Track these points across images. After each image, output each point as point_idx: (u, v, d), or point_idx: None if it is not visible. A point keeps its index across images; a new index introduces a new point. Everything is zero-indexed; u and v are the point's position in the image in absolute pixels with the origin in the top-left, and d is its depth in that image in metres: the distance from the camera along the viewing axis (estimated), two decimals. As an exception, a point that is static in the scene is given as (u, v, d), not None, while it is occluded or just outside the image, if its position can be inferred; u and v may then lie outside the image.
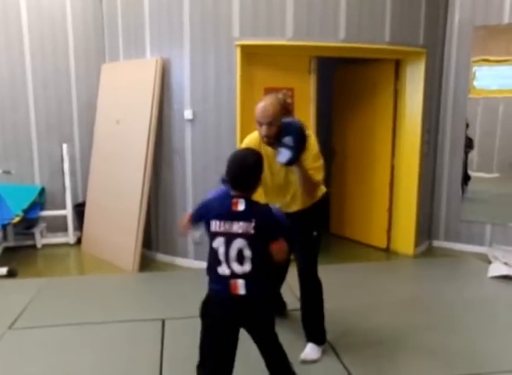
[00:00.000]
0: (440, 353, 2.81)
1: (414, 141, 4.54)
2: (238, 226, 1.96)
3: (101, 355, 2.78)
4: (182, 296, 3.64)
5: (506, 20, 4.44)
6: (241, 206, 1.99)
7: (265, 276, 2.03)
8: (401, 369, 2.67)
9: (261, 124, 2.50)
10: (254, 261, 1.97)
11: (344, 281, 3.98)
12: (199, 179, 4.19)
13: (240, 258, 1.96)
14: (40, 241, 4.93)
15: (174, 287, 3.85)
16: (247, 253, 1.96)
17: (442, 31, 4.66)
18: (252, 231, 1.95)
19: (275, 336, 2.13)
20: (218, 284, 2.00)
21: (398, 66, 4.57)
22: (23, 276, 4.09)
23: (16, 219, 4.45)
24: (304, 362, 2.68)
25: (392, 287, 3.91)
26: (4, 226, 4.52)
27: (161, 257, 4.53)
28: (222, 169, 4.04)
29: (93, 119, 4.88)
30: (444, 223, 4.96)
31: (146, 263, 4.37)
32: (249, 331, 2.09)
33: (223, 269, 1.98)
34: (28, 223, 4.85)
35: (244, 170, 2.04)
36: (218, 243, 1.98)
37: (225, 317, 2.02)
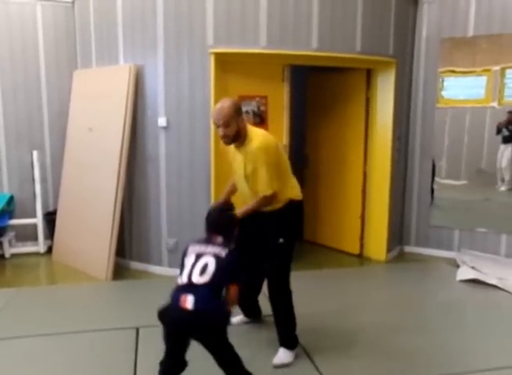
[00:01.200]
0: (411, 354, 2.87)
1: (385, 148, 4.65)
2: (212, 249, 2.21)
3: (73, 365, 2.73)
4: (156, 304, 3.55)
5: (470, 33, 4.62)
6: (219, 240, 2.26)
7: (219, 294, 2.16)
8: (373, 371, 2.71)
9: (217, 126, 2.63)
10: (214, 277, 2.10)
11: (318, 287, 4.02)
12: (173, 186, 4.17)
13: (203, 271, 2.11)
14: (8, 251, 4.80)
15: (148, 295, 3.80)
16: (211, 268, 2.11)
17: (411, 42, 4.80)
18: (223, 255, 2.18)
19: (228, 347, 2.19)
20: (173, 296, 2.14)
21: (369, 75, 4.68)
22: (-9, 287, 3.99)
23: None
24: (276, 366, 2.70)
25: (365, 291, 3.98)
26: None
27: (135, 265, 4.48)
28: (196, 177, 4.07)
29: (65, 126, 4.81)
30: (415, 228, 5.07)
31: (119, 271, 4.32)
32: (199, 342, 2.19)
33: (182, 279, 2.15)
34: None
35: (220, 227, 2.34)
36: (190, 257, 2.20)
37: (172, 329, 2.18)
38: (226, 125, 2.59)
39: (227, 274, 2.17)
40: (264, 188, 2.65)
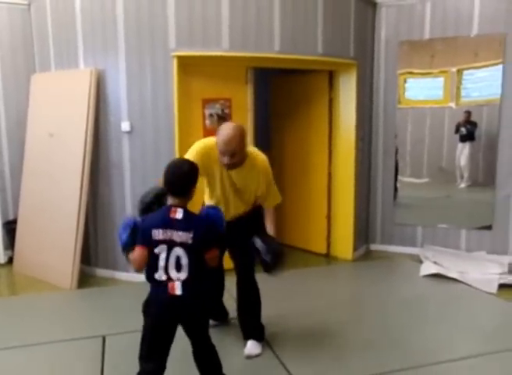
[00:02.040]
0: (374, 348, 2.94)
1: (349, 148, 4.73)
2: (178, 236, 2.07)
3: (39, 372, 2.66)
4: (123, 311, 3.54)
5: (427, 36, 4.76)
6: (179, 215, 2.09)
7: (201, 280, 2.14)
8: (336, 365, 2.75)
9: (223, 154, 2.53)
10: (190, 268, 2.09)
11: (285, 287, 4.03)
12: (138, 192, 4.09)
13: (178, 266, 2.07)
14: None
15: (115, 302, 3.75)
16: (184, 261, 2.08)
17: (371, 45, 4.91)
18: (190, 241, 2.07)
19: (208, 337, 2.25)
20: (158, 288, 2.10)
21: (331, 76, 4.76)
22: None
23: None
24: (249, 357, 2.81)
25: (330, 289, 4.04)
26: None
27: (100, 272, 4.39)
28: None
29: (23, 133, 4.67)
30: (380, 226, 5.18)
31: (85, 279, 4.22)
32: (185, 328, 2.20)
33: (160, 275, 2.08)
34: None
35: (182, 176, 2.15)
36: (161, 249, 2.07)
37: (164, 315, 2.12)
38: (233, 155, 2.54)
39: (204, 246, 2.12)
40: (278, 197, 2.94)
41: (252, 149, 2.83)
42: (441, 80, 4.88)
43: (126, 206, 4.17)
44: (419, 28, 4.77)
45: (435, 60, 4.85)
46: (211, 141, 2.69)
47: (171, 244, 2.06)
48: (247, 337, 2.92)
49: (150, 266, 2.09)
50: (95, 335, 3.13)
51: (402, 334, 3.14)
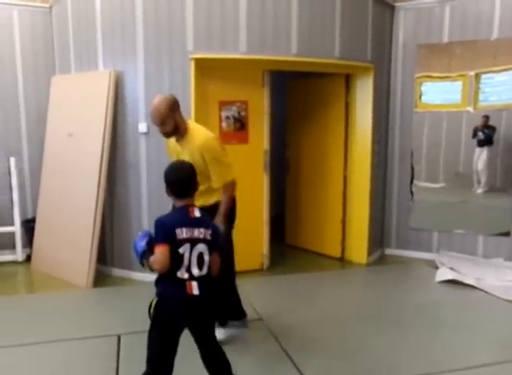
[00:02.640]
0: (388, 354, 2.91)
1: (365, 152, 4.71)
2: (200, 232, 2.12)
3: (54, 373, 2.69)
4: (138, 310, 3.51)
5: (445, 39, 4.72)
6: (197, 213, 2.17)
7: (210, 279, 2.20)
8: (350, 369, 2.73)
9: (154, 124, 2.79)
10: (209, 265, 2.15)
11: (299, 290, 4.05)
12: (154, 192, 4.15)
13: (200, 263, 2.11)
14: (-11, 259, 4.72)
15: (130, 302, 3.78)
16: (206, 257, 2.13)
17: (388, 48, 4.89)
18: (209, 237, 2.14)
19: (215, 336, 2.27)
20: (175, 287, 2.10)
21: (348, 80, 4.75)
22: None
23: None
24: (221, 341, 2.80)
25: (346, 293, 4.03)
26: None
27: (116, 272, 4.43)
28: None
29: (43, 133, 4.75)
30: (395, 231, 5.14)
31: (101, 279, 4.27)
32: (195, 330, 2.20)
33: (182, 273, 2.09)
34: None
35: (188, 177, 2.22)
36: (185, 248, 2.08)
37: (180, 316, 2.12)
38: (163, 123, 2.75)
39: (214, 245, 2.19)
40: (228, 174, 2.86)
41: (194, 125, 2.96)
42: (459, 83, 4.83)
43: (142, 206, 4.21)
44: (438, 31, 4.74)
45: (453, 64, 4.81)
46: None
47: (194, 242, 2.10)
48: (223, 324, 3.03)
49: (171, 265, 2.08)
50: (110, 334, 3.16)
51: (417, 340, 3.11)
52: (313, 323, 3.37)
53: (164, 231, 2.08)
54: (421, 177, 5.13)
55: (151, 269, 2.13)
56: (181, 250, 2.07)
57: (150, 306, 2.12)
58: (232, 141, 4.30)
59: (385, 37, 4.83)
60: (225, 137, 4.29)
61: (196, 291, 2.09)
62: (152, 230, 2.15)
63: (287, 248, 5.34)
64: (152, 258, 2.08)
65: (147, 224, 4.20)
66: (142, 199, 4.21)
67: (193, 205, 2.20)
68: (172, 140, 2.93)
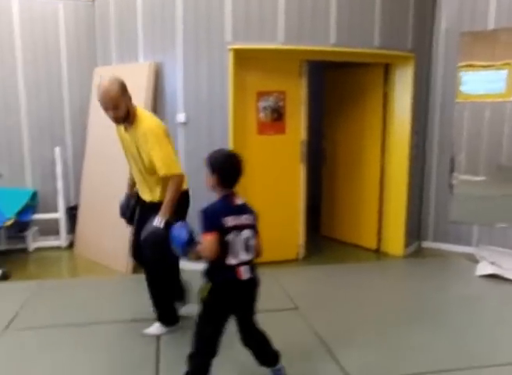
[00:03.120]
0: (426, 347, 2.88)
1: (403, 143, 4.64)
2: (245, 219, 2.19)
3: (96, 354, 2.81)
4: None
5: (490, 26, 4.56)
6: (240, 201, 2.23)
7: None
8: (387, 362, 2.72)
9: (107, 109, 2.57)
10: (254, 250, 2.22)
11: (335, 281, 4.05)
12: (192, 181, 4.20)
13: (247, 248, 2.17)
14: (32, 245, 4.92)
15: (168, 289, 3.87)
16: (251, 242, 2.19)
17: (430, 36, 4.77)
18: (254, 222, 2.23)
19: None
20: (227, 273, 2.17)
21: (387, 69, 4.67)
22: (16, 279, 4.09)
23: (9, 223, 4.45)
24: (143, 334, 2.98)
25: (381, 285, 3.99)
26: (-4, 230, 4.52)
27: (154, 259, 4.54)
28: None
29: (85, 123, 4.91)
30: (433, 224, 5.05)
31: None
32: (242, 312, 2.28)
33: (231, 259, 2.15)
34: (20, 227, 4.84)
35: (240, 166, 2.22)
36: (233, 235, 2.14)
37: (232, 301, 2.21)
38: (116, 107, 2.57)
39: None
40: (173, 166, 2.70)
41: (142, 111, 2.81)
42: (504, 72, 4.66)
43: (180, 196, 4.28)
44: (482, 18, 4.58)
45: (497, 52, 4.64)
46: None
47: (241, 228, 2.15)
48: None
49: (221, 252, 2.13)
50: (150, 318, 3.25)
51: (457, 334, 3.06)
52: (349, 313, 3.38)
53: (212, 220, 2.12)
54: (461, 170, 5.00)
55: (197, 258, 2.17)
56: (229, 237, 2.12)
57: (201, 292, 2.18)
58: (269, 132, 4.32)
59: (427, 25, 4.71)
60: (262, 127, 4.32)
61: (246, 275, 2.17)
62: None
63: (322, 239, 5.33)
64: (201, 247, 2.11)
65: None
66: (180, 188, 4.28)
67: (234, 193, 2.22)
68: (121, 129, 2.79)
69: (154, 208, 2.74)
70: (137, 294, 3.89)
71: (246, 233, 2.17)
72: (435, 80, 4.85)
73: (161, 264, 2.89)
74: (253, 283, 2.23)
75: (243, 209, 2.20)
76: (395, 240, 4.80)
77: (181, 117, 4.15)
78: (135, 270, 4.26)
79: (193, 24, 4.02)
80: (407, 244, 4.82)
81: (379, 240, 4.94)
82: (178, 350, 2.79)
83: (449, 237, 4.97)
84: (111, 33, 4.62)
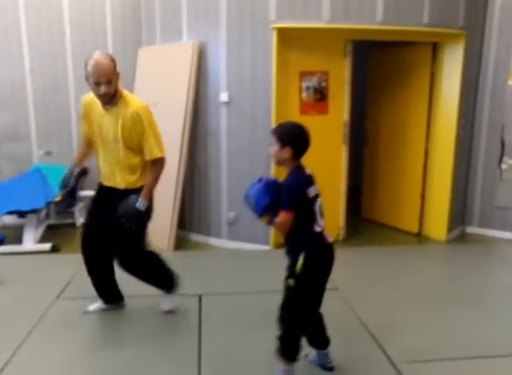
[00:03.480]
0: (468, 332, 2.84)
1: (449, 125, 4.49)
2: (316, 188, 2.24)
3: (143, 323, 2.92)
4: (216, 274, 3.74)
5: (550, 1, 4.31)
6: (308, 171, 2.26)
7: None
8: (428, 346, 2.70)
9: (98, 83, 2.43)
10: None
11: (374, 262, 4.03)
12: (234, 161, 4.26)
13: (322, 214, 2.24)
14: (79, 220, 5.11)
15: (209, 266, 3.96)
16: (323, 209, 2.26)
17: (483, 13, 4.55)
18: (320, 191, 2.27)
19: None
20: (317, 240, 2.23)
21: (435, 48, 4.51)
22: (65, 252, 4.28)
23: (58, 198, 4.62)
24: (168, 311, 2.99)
25: (423, 268, 3.94)
26: (47, 205, 4.70)
27: (195, 237, 4.65)
28: (257, 151, 4.07)
29: (130, 102, 4.99)
30: (478, 209, 4.90)
31: (180, 243, 4.50)
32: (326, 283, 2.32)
33: (317, 227, 2.22)
34: (68, 203, 5.01)
35: (310, 141, 2.23)
36: (317, 204, 2.21)
37: (328, 265, 2.26)
38: (109, 82, 2.45)
39: None
40: (157, 150, 2.62)
41: (128, 93, 2.70)
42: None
43: (222, 174, 4.34)
44: (541, -7, 4.33)
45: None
46: (89, 96, 2.66)
47: (317, 197, 2.22)
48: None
49: (308, 222, 2.19)
50: (192, 294, 3.34)
51: (503, 320, 2.99)
52: (389, 295, 3.36)
53: (297, 195, 2.15)
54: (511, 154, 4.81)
55: (268, 224, 2.20)
56: (315, 207, 2.19)
57: (295, 265, 2.19)
58: (311, 112, 4.28)
59: (480, 0, 4.49)
60: (304, 107, 4.28)
61: (329, 239, 2.25)
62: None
63: (363, 221, 5.29)
64: (278, 220, 2.13)
65: (225, 192, 4.35)
66: (221, 168, 4.33)
67: (302, 165, 2.25)
68: (99, 109, 2.61)
69: (127, 195, 2.66)
70: (180, 270, 3.97)
71: (319, 200, 2.23)
72: (487, 59, 4.64)
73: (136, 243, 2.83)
74: (333, 247, 2.29)
75: (313, 178, 2.24)
76: (438, 224, 4.70)
77: (224, 97, 4.16)
78: (176, 247, 4.38)
79: (237, 3, 3.99)
80: (451, 229, 4.71)
81: (421, 223, 4.85)
82: (218, 325, 2.88)
83: (495, 223, 4.82)
84: (155, 12, 4.66)
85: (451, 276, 3.79)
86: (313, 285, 2.24)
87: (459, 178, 4.71)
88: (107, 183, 2.79)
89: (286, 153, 2.17)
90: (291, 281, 2.21)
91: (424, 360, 2.55)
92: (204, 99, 4.33)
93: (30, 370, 2.44)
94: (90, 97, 2.64)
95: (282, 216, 2.12)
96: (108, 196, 2.77)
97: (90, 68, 2.43)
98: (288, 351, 2.26)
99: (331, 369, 2.43)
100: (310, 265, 2.18)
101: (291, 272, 2.22)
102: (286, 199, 2.13)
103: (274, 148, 2.20)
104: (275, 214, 2.13)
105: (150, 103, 4.57)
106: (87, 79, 2.48)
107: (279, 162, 2.23)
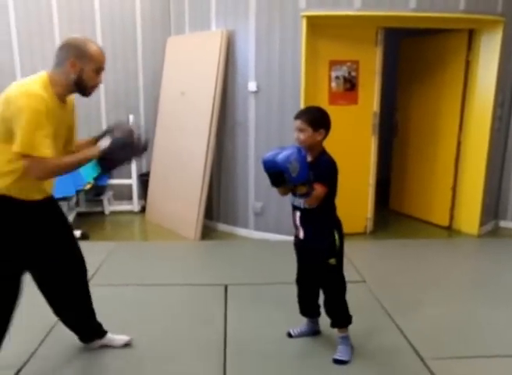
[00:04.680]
0: (498, 329, 2.76)
1: (484, 115, 4.34)
2: None
3: (170, 313, 2.94)
4: (243, 264, 3.75)
5: None
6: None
7: None
8: (454, 338, 2.64)
9: (100, 70, 2.07)
10: None
11: (403, 255, 3.96)
12: (261, 151, 4.21)
13: None
14: (108, 208, 5.20)
15: (235, 256, 3.97)
16: None
17: (523, -2, 4.36)
18: None
19: None
20: (337, 214, 2.40)
21: (471, 35, 4.35)
22: (94, 239, 4.35)
23: (88, 186, 4.70)
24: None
25: (453, 262, 3.86)
26: (77, 193, 4.78)
27: (221, 227, 4.66)
28: (285, 141, 4.06)
29: (158, 91, 5.02)
30: (513, 202, 4.76)
31: (207, 232, 4.52)
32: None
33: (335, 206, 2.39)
34: (97, 191, 5.12)
35: None
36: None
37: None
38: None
39: None
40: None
41: None
42: None
43: (249, 164, 4.32)
44: None
45: None
46: (37, 78, 1.98)
47: None
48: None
49: (333, 198, 2.33)
50: (218, 283, 3.35)
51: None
52: (417, 289, 3.29)
53: (335, 173, 2.27)
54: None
55: (303, 194, 2.18)
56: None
57: (332, 243, 2.31)
58: (341, 102, 4.21)
59: (520, -14, 4.31)
60: (334, 97, 4.21)
61: None
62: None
63: (391, 213, 5.20)
64: (317, 193, 2.17)
65: (253, 182, 4.33)
66: (249, 157, 4.31)
67: None
68: (55, 105, 2.00)
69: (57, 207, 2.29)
70: (206, 259, 4.04)
71: None
72: (525, 47, 4.46)
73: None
74: None
75: None
76: (469, 217, 4.58)
77: (252, 86, 4.13)
78: (203, 236, 4.40)
79: (267, -10, 3.94)
80: (483, 223, 4.58)
81: (452, 217, 4.73)
82: (245, 315, 2.88)
83: (530, 218, 4.67)
84: (184, 1, 4.64)
85: (482, 272, 3.68)
86: (343, 256, 2.39)
87: (493, 170, 4.56)
88: (45, 192, 2.17)
89: (319, 136, 2.24)
90: (333, 260, 2.31)
91: (453, 357, 2.49)
92: (232, 88, 4.31)
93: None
94: (40, 92, 1.91)
95: (321, 189, 2.18)
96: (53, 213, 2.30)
97: (94, 52, 2.02)
98: (347, 317, 2.41)
99: (319, 332, 2.64)
100: (342, 239, 2.34)
101: (331, 250, 2.31)
102: (327, 174, 2.23)
103: (305, 133, 2.22)
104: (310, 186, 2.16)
105: (178, 92, 4.65)
106: (75, 65, 1.99)
107: (311, 146, 2.25)
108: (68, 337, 2.50)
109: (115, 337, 2.55)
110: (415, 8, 3.85)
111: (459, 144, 4.59)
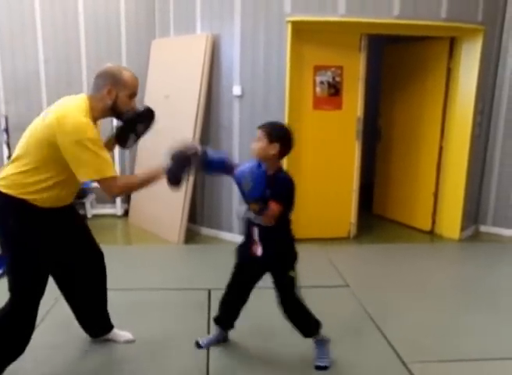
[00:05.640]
0: (478, 334, 2.80)
1: (465, 122, 4.42)
2: None
3: (151, 318, 2.92)
4: (226, 268, 3.68)
5: None
6: None
7: None
8: (435, 342, 2.67)
9: (133, 95, 2.20)
10: None
11: (386, 259, 4.00)
12: (246, 155, 4.22)
13: None
14: (90, 211, 5.14)
15: (219, 260, 3.91)
16: None
17: (503, 8, 4.45)
18: None
19: None
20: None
21: (453, 43, 4.42)
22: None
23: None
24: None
25: (435, 267, 3.90)
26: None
27: (205, 231, 4.64)
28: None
29: (142, 94, 4.97)
30: (493, 207, 4.83)
31: (191, 236, 4.49)
32: None
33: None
34: (79, 194, 5.02)
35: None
36: None
37: None
38: None
39: None
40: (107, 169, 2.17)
41: None
42: None
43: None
44: None
45: None
46: (80, 103, 2.13)
47: None
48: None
49: (289, 214, 2.26)
50: (202, 288, 3.34)
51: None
52: (400, 293, 3.33)
53: (293, 192, 2.18)
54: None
55: (256, 211, 2.13)
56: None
57: (290, 256, 2.29)
58: (325, 107, 4.24)
59: (500, -5, 4.40)
60: (318, 102, 4.24)
61: None
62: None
63: (374, 217, 5.24)
64: (271, 211, 2.10)
65: (237, 186, 4.30)
66: (233, 161, 4.30)
67: None
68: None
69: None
70: (190, 263, 4.01)
71: None
72: (505, 55, 4.54)
73: None
74: None
75: None
76: (451, 222, 4.64)
77: (237, 90, 4.13)
78: (186, 241, 4.37)
79: (252, -5, 3.95)
80: (464, 228, 4.65)
81: (434, 221, 4.80)
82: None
83: (509, 222, 4.75)
84: (169, 4, 4.63)
85: (463, 276, 3.74)
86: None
87: (473, 176, 4.64)
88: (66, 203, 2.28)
89: (273, 149, 2.16)
90: (293, 273, 2.27)
91: (435, 360, 2.52)
92: (217, 92, 4.30)
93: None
94: (86, 108, 2.10)
95: (275, 208, 2.10)
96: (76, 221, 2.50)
97: (128, 78, 2.14)
98: (316, 323, 2.35)
99: (227, 339, 2.63)
100: (297, 251, 2.30)
101: (290, 263, 2.28)
102: (283, 192, 2.15)
103: (260, 143, 2.18)
104: (265, 204, 2.09)
105: (162, 95, 4.62)
106: (111, 92, 2.13)
107: (265, 160, 2.18)
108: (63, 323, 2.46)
109: (120, 332, 2.67)
110: (399, 15, 3.91)
111: (441, 149, 4.66)
